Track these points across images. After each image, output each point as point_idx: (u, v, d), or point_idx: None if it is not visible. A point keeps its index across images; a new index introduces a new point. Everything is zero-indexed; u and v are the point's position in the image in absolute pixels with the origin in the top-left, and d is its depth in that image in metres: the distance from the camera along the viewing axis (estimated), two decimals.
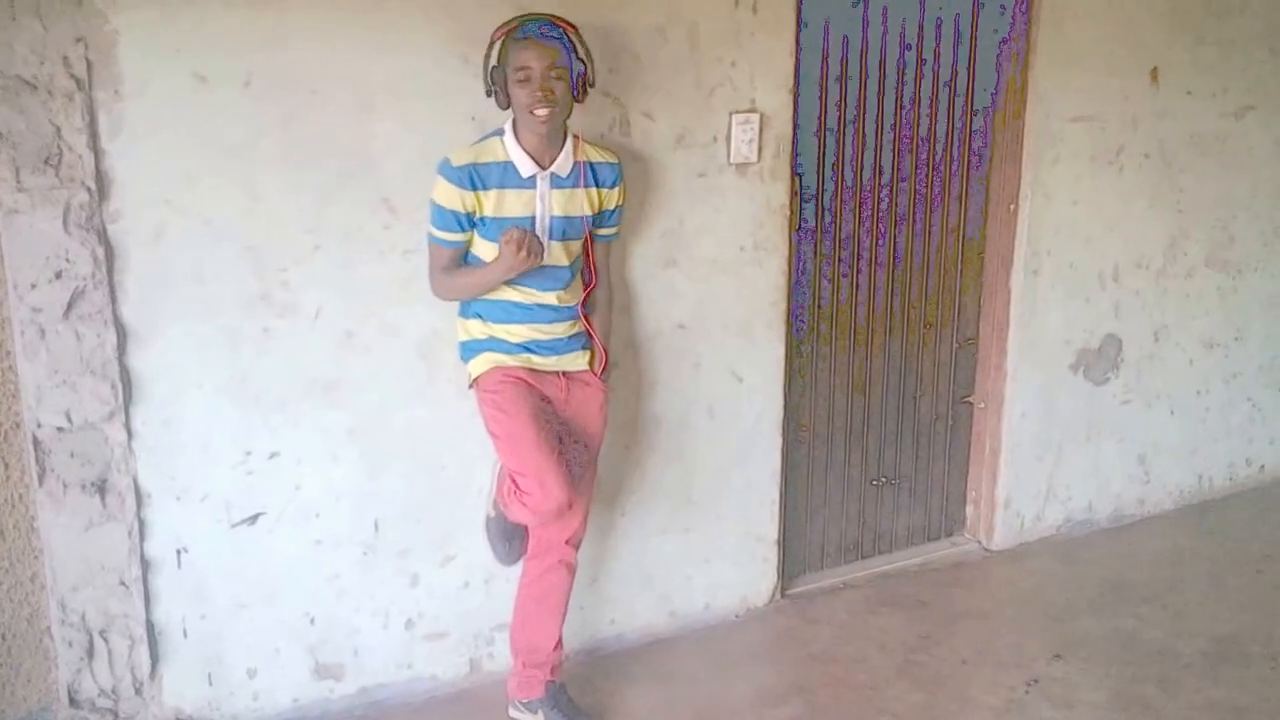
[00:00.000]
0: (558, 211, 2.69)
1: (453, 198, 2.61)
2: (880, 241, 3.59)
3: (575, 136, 2.73)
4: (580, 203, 2.73)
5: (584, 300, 2.86)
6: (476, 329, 2.76)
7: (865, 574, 3.77)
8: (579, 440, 2.87)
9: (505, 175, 2.63)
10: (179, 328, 2.64)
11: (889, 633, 3.45)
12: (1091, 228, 3.84)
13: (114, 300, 2.56)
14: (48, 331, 2.50)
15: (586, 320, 2.86)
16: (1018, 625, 3.51)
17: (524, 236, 2.53)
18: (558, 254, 2.72)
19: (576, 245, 2.77)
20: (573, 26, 2.66)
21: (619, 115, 3.00)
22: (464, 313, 2.78)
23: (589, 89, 2.71)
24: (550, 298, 2.73)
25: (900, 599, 3.64)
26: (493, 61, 2.64)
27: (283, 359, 2.75)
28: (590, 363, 2.87)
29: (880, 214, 3.57)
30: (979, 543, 3.98)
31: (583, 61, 2.67)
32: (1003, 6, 3.59)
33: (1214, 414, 4.32)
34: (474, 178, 2.61)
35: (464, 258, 2.72)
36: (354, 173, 2.72)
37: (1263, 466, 4.51)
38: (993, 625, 3.51)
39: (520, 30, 2.61)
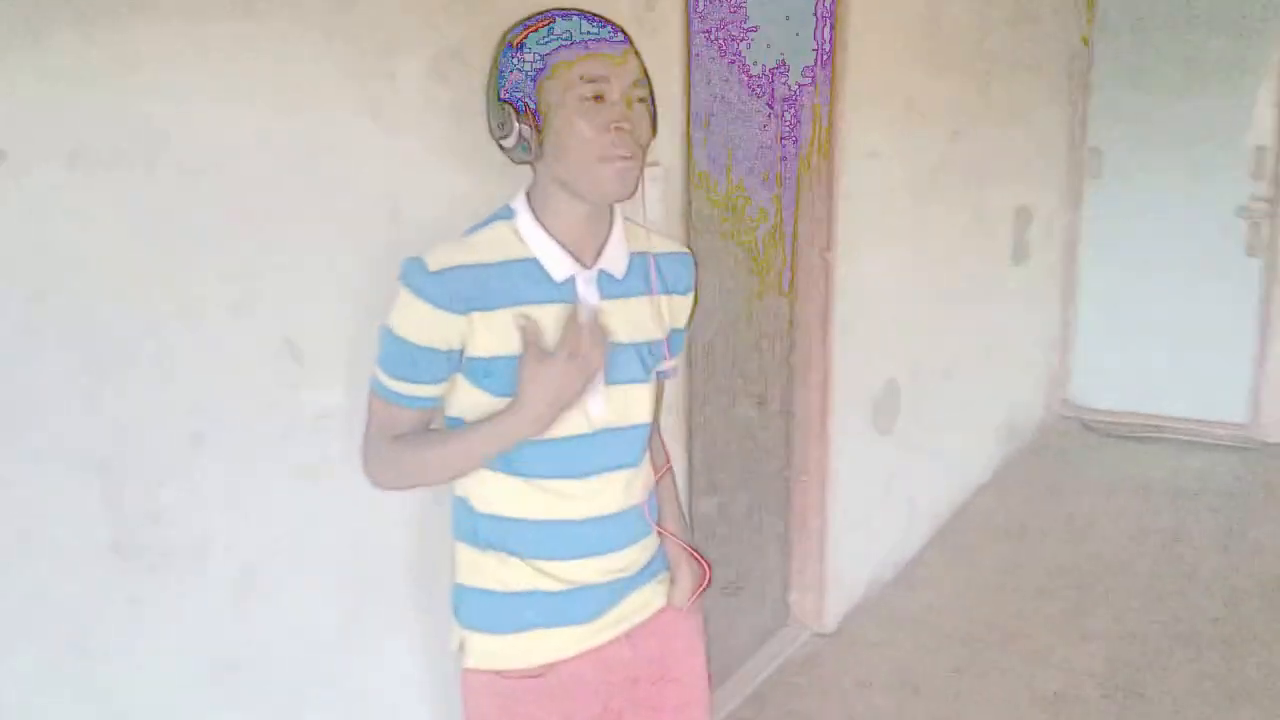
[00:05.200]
0: (616, 336, 1.61)
1: (429, 327, 1.50)
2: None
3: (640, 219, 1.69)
4: (646, 320, 1.66)
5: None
6: (489, 569, 1.64)
7: (739, 699, 3.18)
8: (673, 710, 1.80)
9: (524, 283, 1.54)
10: None
11: None
12: (880, 269, 3.57)
13: None
14: None
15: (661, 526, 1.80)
16: (915, 708, 3.15)
17: (580, 328, 1.50)
18: (622, 408, 1.64)
19: (648, 392, 1.68)
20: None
21: None
22: (467, 535, 1.67)
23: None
24: (615, 488, 1.64)
25: None
26: (505, 87, 1.52)
27: (159, 642, 1.54)
28: (670, 590, 1.79)
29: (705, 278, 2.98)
30: (809, 629, 3.55)
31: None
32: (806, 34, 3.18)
33: (948, 444, 4.31)
34: (468, 293, 1.51)
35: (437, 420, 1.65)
36: (240, 300, 1.58)
37: (964, 485, 4.60)
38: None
39: (563, 28, 1.49)
